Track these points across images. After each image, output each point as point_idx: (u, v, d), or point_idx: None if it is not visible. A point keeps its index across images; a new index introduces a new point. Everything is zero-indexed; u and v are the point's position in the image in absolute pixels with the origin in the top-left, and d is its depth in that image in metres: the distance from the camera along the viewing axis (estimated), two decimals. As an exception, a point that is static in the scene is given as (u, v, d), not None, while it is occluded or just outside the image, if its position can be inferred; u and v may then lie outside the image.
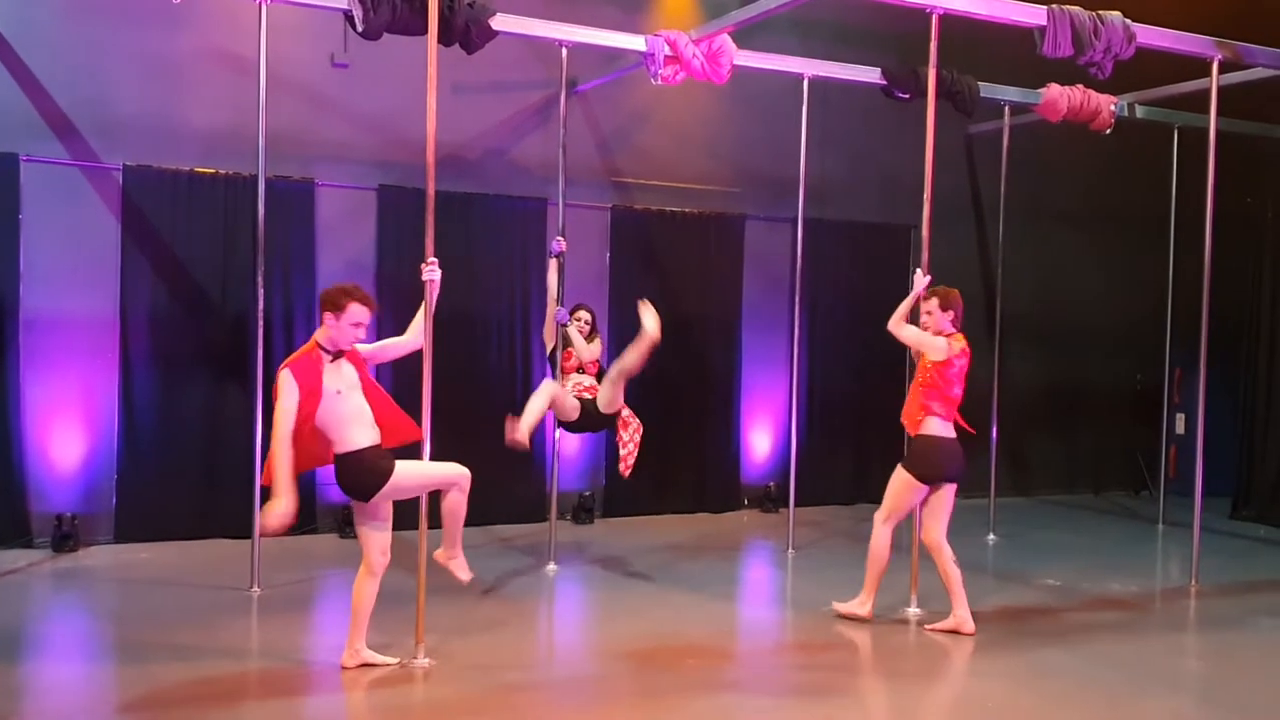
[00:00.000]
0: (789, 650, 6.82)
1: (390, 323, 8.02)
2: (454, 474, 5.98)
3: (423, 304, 6.05)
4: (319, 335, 5.70)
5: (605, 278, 10.39)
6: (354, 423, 5.70)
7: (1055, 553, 9.41)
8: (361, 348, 5.87)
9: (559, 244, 8.18)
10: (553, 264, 8.23)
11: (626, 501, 10.42)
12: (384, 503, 5.84)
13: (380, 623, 6.41)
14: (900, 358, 9.64)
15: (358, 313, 5.67)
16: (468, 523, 8.33)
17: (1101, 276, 12.53)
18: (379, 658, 5.95)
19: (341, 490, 5.84)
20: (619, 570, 8.39)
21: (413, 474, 5.89)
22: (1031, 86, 10.12)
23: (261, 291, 7.57)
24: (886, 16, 8.74)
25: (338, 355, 5.70)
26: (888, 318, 7.13)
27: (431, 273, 6.01)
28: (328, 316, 5.67)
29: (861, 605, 7.03)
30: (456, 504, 6.00)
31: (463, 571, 6.17)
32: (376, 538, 5.86)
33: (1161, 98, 10.39)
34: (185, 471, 8.88)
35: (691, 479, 10.76)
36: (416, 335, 6.08)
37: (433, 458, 6.16)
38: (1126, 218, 12.41)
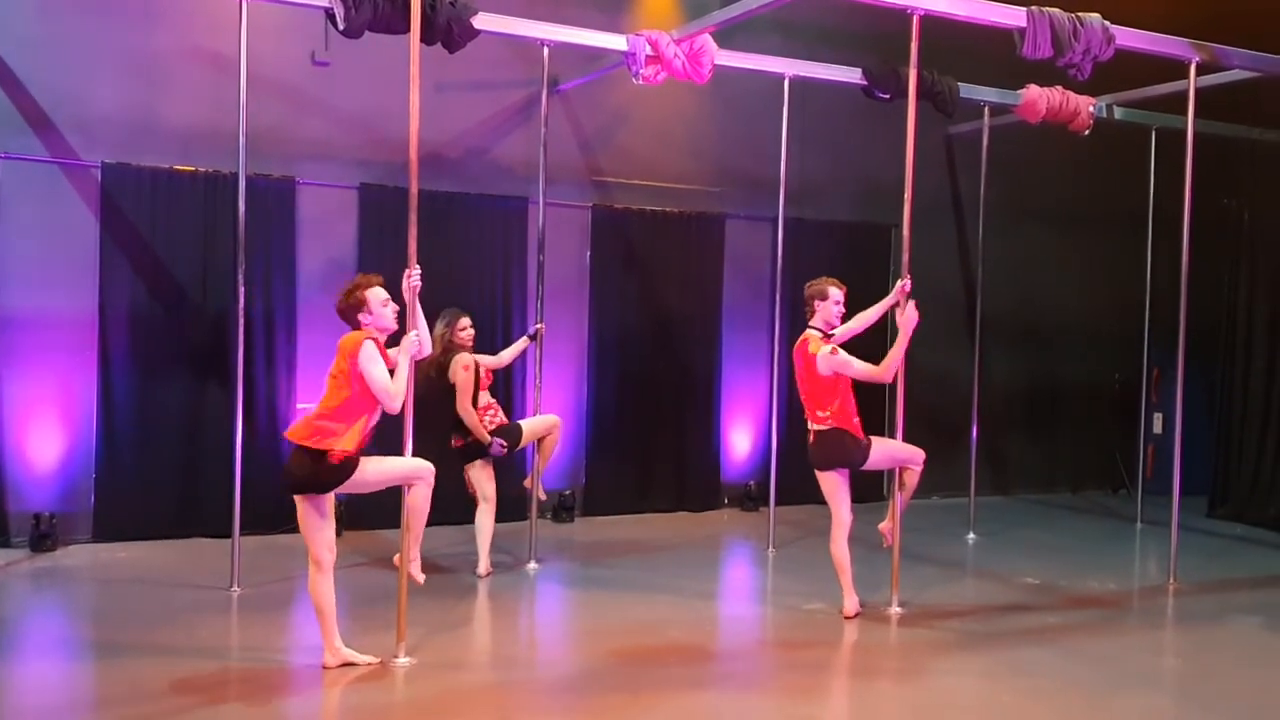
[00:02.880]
0: (769, 648, 6.84)
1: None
2: (417, 468, 6.00)
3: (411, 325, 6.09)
4: (367, 331, 5.81)
5: (586, 277, 10.39)
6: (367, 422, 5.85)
7: (1034, 551, 9.46)
8: None
9: (537, 327, 8.40)
10: (524, 340, 8.44)
11: (606, 500, 10.43)
12: (331, 496, 5.85)
13: (361, 621, 6.40)
14: (879, 358, 9.66)
15: (379, 294, 5.89)
16: (448, 521, 8.39)
17: (1080, 277, 12.59)
18: (359, 656, 5.94)
19: (295, 480, 5.75)
20: (600, 568, 8.40)
21: (373, 466, 5.89)
22: (1011, 88, 10.17)
23: (242, 290, 7.54)
24: (867, 17, 8.77)
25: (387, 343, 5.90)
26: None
27: (415, 280, 6.05)
28: (361, 317, 5.84)
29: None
30: (421, 500, 6.02)
31: (419, 574, 6.16)
32: (323, 535, 5.83)
33: (1140, 99, 10.45)
34: (164, 470, 8.83)
35: (672, 478, 10.76)
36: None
37: (413, 456, 6.16)
38: (1105, 218, 12.48)
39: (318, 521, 5.82)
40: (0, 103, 8.42)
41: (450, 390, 7.78)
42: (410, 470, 6.00)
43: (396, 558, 6.23)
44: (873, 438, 7.04)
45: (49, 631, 6.87)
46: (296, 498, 5.82)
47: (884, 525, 7.39)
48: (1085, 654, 6.53)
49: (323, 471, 5.68)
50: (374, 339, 5.78)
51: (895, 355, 6.93)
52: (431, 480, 6.03)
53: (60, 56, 8.59)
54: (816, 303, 7.01)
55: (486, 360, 8.20)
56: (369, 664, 5.92)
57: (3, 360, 8.44)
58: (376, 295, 5.86)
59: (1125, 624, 7.41)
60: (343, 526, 9.05)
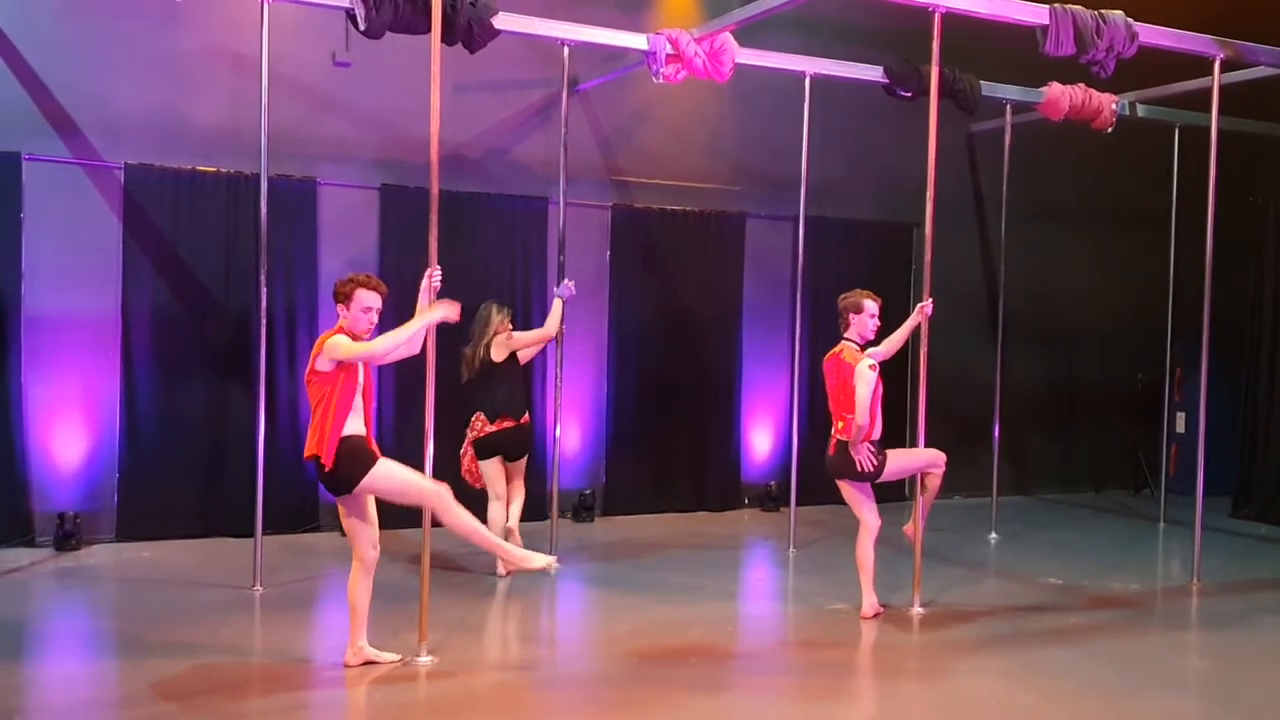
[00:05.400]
0: (790, 648, 6.83)
1: (392, 322, 8.00)
2: (431, 490, 5.82)
3: (418, 310, 6.07)
4: (341, 324, 5.81)
5: (606, 277, 10.39)
6: (355, 411, 5.76)
7: (1057, 551, 9.41)
8: None
9: (568, 289, 8.24)
10: (559, 305, 8.23)
11: (627, 500, 10.42)
12: (364, 496, 5.84)
13: (384, 620, 6.42)
14: (902, 358, 9.65)
15: (365, 298, 5.80)
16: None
17: (1103, 275, 12.53)
18: (381, 655, 5.95)
19: (324, 483, 5.80)
20: (620, 568, 8.40)
21: (394, 473, 5.78)
22: (1033, 85, 10.13)
23: (264, 290, 7.57)
24: (889, 15, 8.73)
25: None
26: (888, 317, 7.19)
27: (436, 280, 6.03)
28: (340, 309, 5.82)
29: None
30: (451, 524, 5.89)
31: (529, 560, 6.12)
32: (365, 532, 5.88)
33: (1163, 96, 10.39)
34: (187, 470, 8.88)
35: (692, 477, 10.75)
36: (412, 342, 6.04)
37: (435, 456, 6.18)
38: (1128, 216, 12.42)
39: (354, 520, 5.87)
40: (24, 105, 8.48)
41: (493, 373, 7.86)
42: (424, 490, 5.84)
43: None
44: (888, 452, 7.00)
45: (73, 630, 6.91)
46: (337, 501, 5.90)
47: (908, 528, 7.36)
48: (1108, 655, 6.49)
49: (345, 461, 5.67)
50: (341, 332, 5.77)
51: (863, 419, 6.75)
52: (444, 507, 5.80)
53: (83, 58, 8.64)
54: (851, 315, 6.96)
55: (531, 336, 8.15)
56: (391, 663, 5.94)
57: (27, 361, 8.49)
58: (364, 298, 5.78)
59: (1148, 625, 7.36)
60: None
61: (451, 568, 7.99)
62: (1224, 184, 8.51)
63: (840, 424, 6.92)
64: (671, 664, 6.14)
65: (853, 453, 6.84)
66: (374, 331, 5.89)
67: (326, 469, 5.71)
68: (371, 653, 5.94)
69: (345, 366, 5.69)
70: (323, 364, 5.69)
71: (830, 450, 7.03)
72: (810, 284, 9.50)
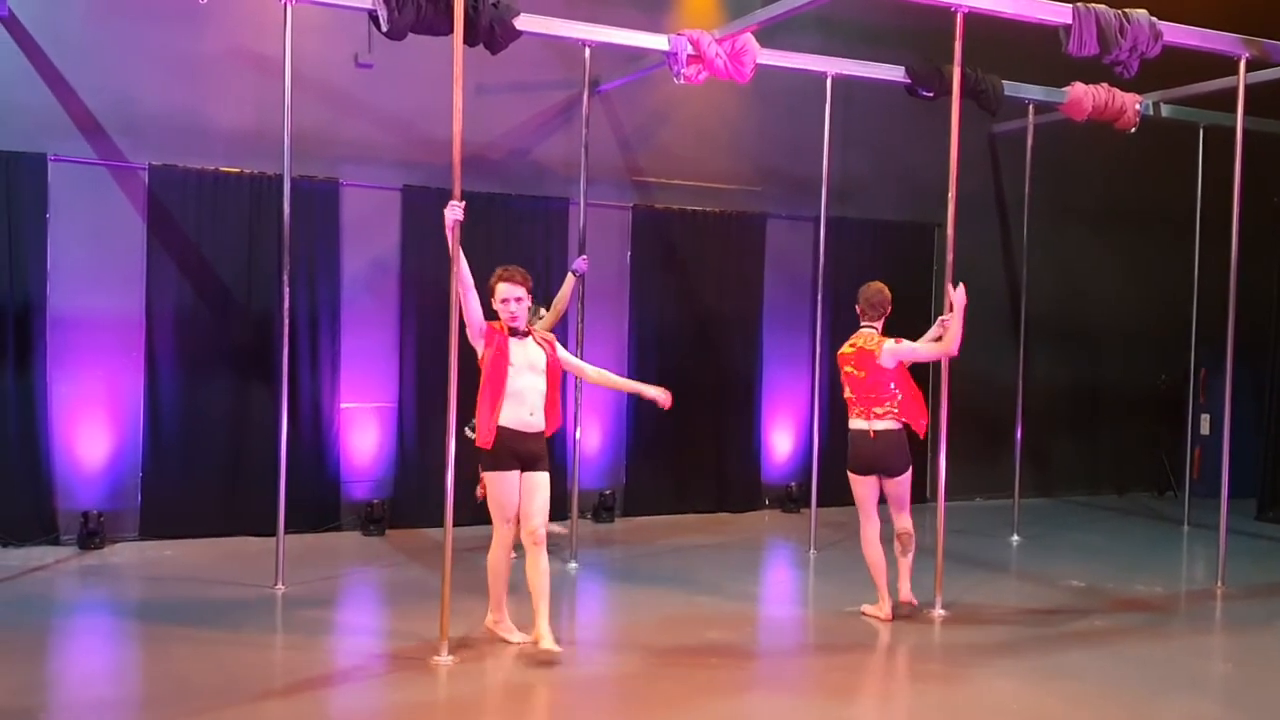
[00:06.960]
0: (811, 650, 6.81)
1: (414, 321, 8.05)
2: (497, 530, 6.23)
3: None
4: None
5: (626, 277, 10.40)
6: (512, 399, 6.04)
7: (1079, 554, 9.36)
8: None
9: (583, 263, 8.19)
10: (570, 280, 8.14)
11: (647, 500, 10.42)
12: (512, 479, 6.12)
13: (404, 619, 6.44)
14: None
15: (503, 290, 6.09)
16: (486, 519, 8.42)
17: (1126, 276, 12.47)
18: (512, 635, 6.30)
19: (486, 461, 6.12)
20: (640, 569, 8.40)
21: (502, 488, 6.12)
22: (1056, 85, 10.08)
23: (286, 291, 7.59)
24: (911, 15, 8.71)
25: (523, 335, 6.14)
26: (911, 317, 7.16)
27: (455, 211, 6.07)
28: (492, 302, 6.12)
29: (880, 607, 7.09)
30: (493, 557, 6.33)
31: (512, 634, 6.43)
32: (503, 510, 6.15)
33: (1187, 96, 10.33)
34: (210, 469, 8.93)
35: (712, 478, 10.75)
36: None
37: (457, 455, 6.21)
38: (1152, 217, 12.34)
39: (496, 495, 6.18)
40: (50, 106, 8.54)
41: None
42: (494, 523, 6.23)
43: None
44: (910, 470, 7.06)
45: (96, 627, 6.95)
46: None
47: (903, 598, 7.15)
48: (1131, 658, 6.46)
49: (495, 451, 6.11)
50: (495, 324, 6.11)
51: (956, 329, 6.87)
52: (504, 550, 6.28)
53: (107, 60, 8.69)
54: (889, 308, 7.04)
55: (545, 323, 8.02)
56: (519, 643, 6.25)
57: (52, 360, 8.55)
58: (498, 291, 6.10)
59: (1172, 628, 7.32)
60: (386, 525, 9.15)
61: (471, 567, 7.99)
62: (1249, 184, 8.46)
63: (881, 409, 6.89)
64: (691, 664, 6.14)
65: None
66: (518, 319, 6.11)
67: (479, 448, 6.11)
68: (505, 630, 6.30)
69: (495, 355, 6.00)
70: (483, 352, 6.04)
71: (874, 440, 6.95)
72: (831, 285, 9.48)
